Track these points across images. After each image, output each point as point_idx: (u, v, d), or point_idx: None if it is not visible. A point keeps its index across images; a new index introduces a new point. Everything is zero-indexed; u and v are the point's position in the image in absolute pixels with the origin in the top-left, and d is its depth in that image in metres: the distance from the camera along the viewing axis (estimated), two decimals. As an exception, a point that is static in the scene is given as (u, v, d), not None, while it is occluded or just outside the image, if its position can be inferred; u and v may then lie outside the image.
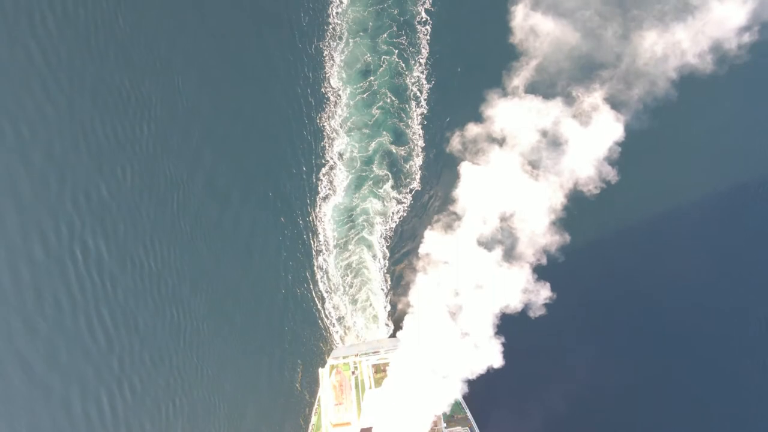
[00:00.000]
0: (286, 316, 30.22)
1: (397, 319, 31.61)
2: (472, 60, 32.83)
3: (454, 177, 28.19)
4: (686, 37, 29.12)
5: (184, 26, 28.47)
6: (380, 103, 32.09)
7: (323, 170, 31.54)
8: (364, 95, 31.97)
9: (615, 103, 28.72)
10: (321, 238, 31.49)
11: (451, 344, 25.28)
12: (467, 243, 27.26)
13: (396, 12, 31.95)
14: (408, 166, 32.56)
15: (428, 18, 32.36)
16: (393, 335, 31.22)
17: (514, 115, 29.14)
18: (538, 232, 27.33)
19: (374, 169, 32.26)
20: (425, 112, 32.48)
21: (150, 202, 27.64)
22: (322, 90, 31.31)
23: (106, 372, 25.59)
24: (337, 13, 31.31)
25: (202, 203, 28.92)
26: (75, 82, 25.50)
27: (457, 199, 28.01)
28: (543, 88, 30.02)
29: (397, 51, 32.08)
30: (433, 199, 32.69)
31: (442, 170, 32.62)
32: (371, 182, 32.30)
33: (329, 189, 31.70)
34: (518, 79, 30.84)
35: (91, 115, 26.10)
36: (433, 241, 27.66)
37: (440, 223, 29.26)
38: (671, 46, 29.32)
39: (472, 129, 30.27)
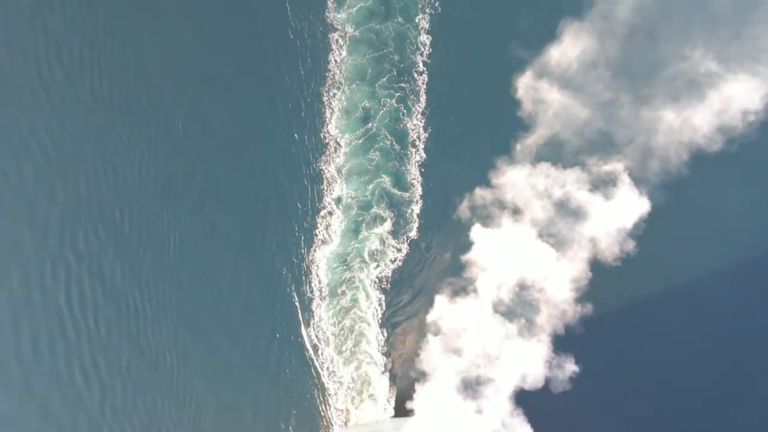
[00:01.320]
0: (281, 362, 29.84)
1: (399, 394, 31.09)
2: (476, 119, 33.37)
3: (463, 238, 28.38)
4: (698, 115, 29.82)
5: (187, 72, 29.09)
6: (380, 145, 32.52)
7: (320, 215, 31.69)
8: (363, 139, 32.43)
9: (632, 176, 29.55)
10: (315, 284, 31.37)
11: (464, 423, 24.50)
12: (482, 311, 26.94)
13: (397, 58, 32.74)
14: (408, 213, 32.78)
15: (426, 69, 33.07)
16: (395, 415, 30.61)
17: (525, 181, 29.53)
18: (558, 302, 27.18)
19: (373, 211, 32.44)
20: (425, 160, 32.90)
21: (148, 245, 27.68)
22: (321, 135, 31.77)
23: (98, 419, 25.01)
24: (336, 60, 32.09)
25: (199, 246, 28.95)
26: (79, 127, 25.91)
27: (469, 263, 28.05)
28: (553, 156, 30.76)
29: (397, 95, 32.70)
30: (437, 256, 32.80)
31: (448, 231, 32.79)
32: (369, 225, 32.41)
33: (325, 235, 31.77)
34: (526, 146, 31.48)
35: (92, 159, 26.43)
36: (443, 307, 27.37)
37: (450, 287, 29.31)
38: (683, 124, 30.11)
39: (479, 193, 30.77)
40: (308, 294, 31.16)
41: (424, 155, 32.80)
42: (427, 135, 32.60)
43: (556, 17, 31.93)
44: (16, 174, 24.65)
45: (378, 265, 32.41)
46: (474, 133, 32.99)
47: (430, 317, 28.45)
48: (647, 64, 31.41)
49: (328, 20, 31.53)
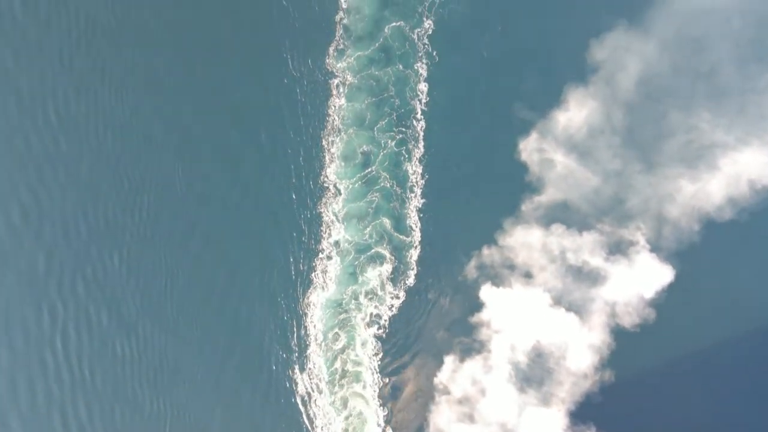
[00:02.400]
0: (269, 410, 28.86)
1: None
2: (477, 172, 33.60)
3: (471, 297, 28.70)
4: (708, 184, 30.11)
5: (187, 117, 29.07)
6: (380, 186, 32.39)
7: (318, 258, 31.27)
8: (363, 183, 32.32)
9: (649, 242, 29.86)
10: (309, 330, 30.68)
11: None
12: (497, 376, 26.46)
13: (397, 103, 32.89)
14: (407, 258, 32.41)
15: (424, 117, 33.27)
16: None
17: (537, 243, 29.54)
18: (575, 369, 26.81)
19: (372, 252, 32.05)
20: (423, 206, 32.73)
21: (137, 289, 27.02)
22: (320, 180, 31.65)
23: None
24: (335, 106, 32.22)
25: (190, 291, 28.25)
26: (71, 169, 25.60)
27: (479, 323, 27.63)
28: (563, 219, 30.94)
29: (398, 137, 32.74)
30: (438, 307, 32.33)
31: (452, 284, 32.63)
32: (365, 269, 31.97)
33: (323, 279, 31.29)
34: (534, 206, 31.59)
35: (83, 201, 26.04)
36: (453, 368, 26.95)
37: (460, 347, 28.77)
38: (694, 192, 30.37)
39: (487, 252, 30.68)
40: (302, 339, 30.44)
41: (422, 200, 32.62)
42: (424, 182, 32.51)
43: (557, 79, 32.59)
44: (3, 217, 24.30)
45: (376, 312, 31.79)
46: (474, 185, 33.15)
47: (439, 378, 27.83)
48: (654, 132, 31.72)
49: (328, 68, 31.82)
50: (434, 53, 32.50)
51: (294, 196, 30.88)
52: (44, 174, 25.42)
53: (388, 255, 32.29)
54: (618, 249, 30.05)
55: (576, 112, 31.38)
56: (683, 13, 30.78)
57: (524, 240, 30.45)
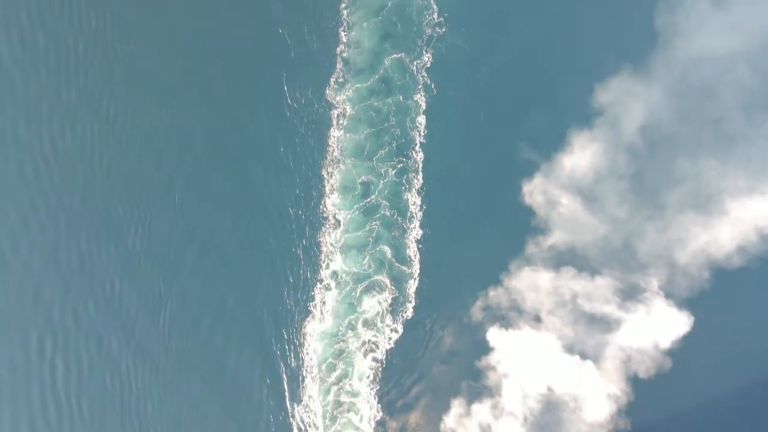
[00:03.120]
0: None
1: None
2: (477, 209, 33.40)
3: (477, 339, 28.87)
4: (721, 230, 29.64)
5: (186, 147, 29.42)
6: (380, 215, 32.32)
7: (315, 289, 31.25)
8: (362, 212, 32.30)
9: (662, 289, 29.54)
10: (305, 360, 30.54)
11: None
12: (507, 424, 26.18)
13: (397, 133, 32.91)
14: (406, 290, 32.20)
15: (422, 150, 33.17)
16: None
17: (544, 287, 29.36)
18: (588, 418, 26.42)
19: (371, 280, 31.92)
20: (422, 238, 32.56)
21: (127, 320, 27.09)
22: (319, 210, 31.71)
23: None
24: (335, 137, 32.35)
25: (182, 321, 28.26)
26: (63, 200, 25.97)
27: (488, 367, 27.34)
28: (571, 262, 30.57)
29: (399, 166, 32.72)
30: (438, 343, 32.01)
31: (454, 323, 32.28)
32: (362, 300, 31.82)
33: (320, 309, 31.22)
34: (541, 249, 31.28)
35: (76, 232, 26.34)
36: (461, 412, 26.75)
37: (468, 390, 28.51)
38: (706, 239, 29.88)
39: (493, 293, 30.49)
40: (298, 370, 30.31)
41: (421, 232, 32.45)
42: (422, 214, 32.36)
43: (560, 121, 32.36)
44: (10, 247, 24.82)
45: (374, 341, 31.56)
46: (476, 221, 32.88)
47: (446, 423, 27.57)
48: (661, 178, 31.24)
49: (328, 99, 32.03)
50: (432, 86, 32.53)
51: (292, 226, 30.93)
52: (37, 205, 25.85)
53: (387, 284, 32.09)
54: (630, 295, 29.58)
55: (581, 156, 31.05)
56: (687, 60, 30.54)
57: (532, 282, 30.14)
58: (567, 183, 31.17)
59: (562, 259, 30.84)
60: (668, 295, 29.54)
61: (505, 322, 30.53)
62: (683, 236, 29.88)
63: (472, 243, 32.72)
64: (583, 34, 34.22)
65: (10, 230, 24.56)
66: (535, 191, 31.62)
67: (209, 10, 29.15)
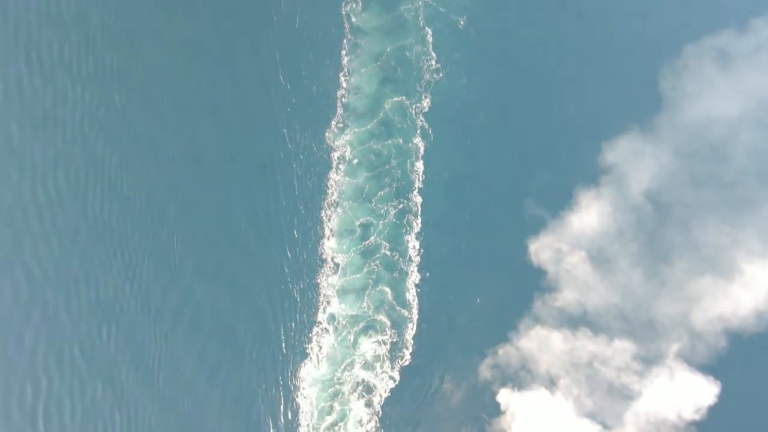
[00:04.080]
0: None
1: None
2: (485, 268, 33.04)
3: (486, 399, 28.56)
4: (737, 294, 29.11)
5: (181, 187, 29.38)
6: (379, 255, 31.87)
7: (312, 332, 30.64)
8: (361, 254, 31.87)
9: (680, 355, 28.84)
10: (301, 404, 29.76)
11: None
12: None
13: (398, 174, 32.67)
14: (404, 335, 31.53)
15: (421, 195, 32.92)
16: None
17: (557, 348, 28.73)
18: None
19: (370, 320, 31.27)
20: (421, 282, 32.01)
21: (123, 363, 26.68)
22: (317, 253, 31.34)
23: None
24: (334, 180, 32.17)
25: (180, 363, 27.76)
26: (65, 243, 25.87)
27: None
28: (581, 324, 30.08)
29: (400, 207, 32.37)
30: (441, 394, 31.18)
31: (467, 384, 31.55)
32: (358, 343, 31.15)
33: (316, 353, 30.55)
34: (549, 308, 30.82)
35: (76, 275, 26.21)
36: None
37: None
38: (722, 303, 29.30)
39: (501, 351, 29.93)
40: (293, 413, 29.49)
41: (419, 276, 31.92)
42: (420, 258, 31.88)
43: (566, 178, 32.31)
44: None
45: (371, 386, 30.76)
46: (477, 271, 32.48)
47: None
48: (671, 240, 30.75)
49: (328, 142, 31.97)
50: (430, 132, 32.48)
51: (288, 270, 30.53)
52: (38, 249, 25.67)
53: (386, 326, 31.47)
54: (649, 360, 28.84)
55: (588, 214, 30.76)
56: (696, 121, 30.50)
57: (544, 343, 29.42)
58: (575, 242, 30.68)
59: (575, 320, 30.10)
60: (689, 361, 28.69)
61: (517, 383, 29.63)
62: (699, 301, 29.08)
63: (475, 294, 32.20)
64: (587, 89, 34.21)
65: (11, 275, 24.31)
66: (541, 248, 31.19)
67: (208, 59, 29.43)
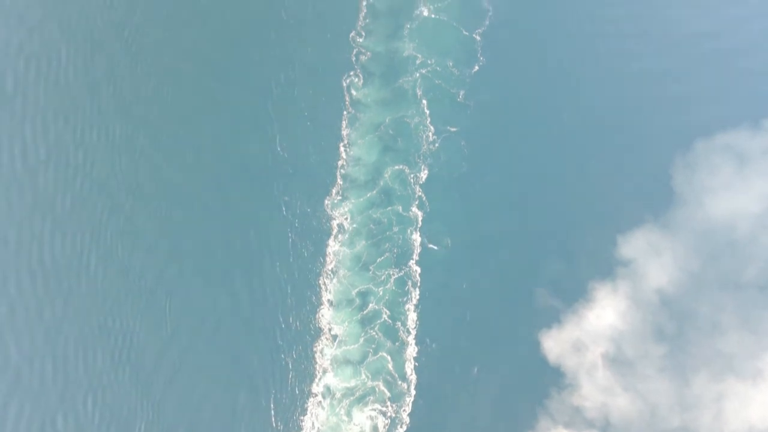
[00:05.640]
0: None
1: None
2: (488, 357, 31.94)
3: None
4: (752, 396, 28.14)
5: (175, 253, 29.30)
6: (379, 323, 31.17)
7: (307, 403, 29.64)
8: (360, 323, 31.21)
9: None
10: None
11: None
12: None
13: (399, 241, 32.44)
14: (401, 409, 30.40)
15: (419, 267, 32.58)
16: None
17: None
18: None
19: (366, 389, 30.26)
20: (419, 354, 31.15)
21: (108, 433, 25.96)
22: (313, 323, 30.77)
23: None
24: (333, 247, 31.98)
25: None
26: (58, 310, 25.75)
27: None
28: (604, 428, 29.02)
29: (401, 274, 31.90)
30: None
31: None
32: (359, 410, 30.06)
33: (311, 425, 29.46)
34: (564, 406, 29.82)
35: (66, 343, 25.83)
36: None
37: None
38: (751, 412, 28.26)
39: None
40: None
41: (416, 348, 31.05)
42: (416, 332, 31.14)
43: (577, 269, 31.68)
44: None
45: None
46: (478, 356, 31.33)
47: None
48: (691, 342, 29.56)
49: (327, 210, 32.04)
50: (427, 202, 32.48)
51: (281, 340, 29.94)
52: (30, 316, 25.62)
53: (385, 397, 30.36)
54: None
55: (605, 311, 29.77)
56: (713, 218, 30.13)
57: None
58: (592, 339, 29.55)
59: (592, 423, 28.75)
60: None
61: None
62: (726, 410, 27.77)
63: (476, 375, 31.02)
64: (597, 175, 33.70)
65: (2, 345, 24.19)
66: (556, 343, 30.10)
67: (206, 127, 30.12)
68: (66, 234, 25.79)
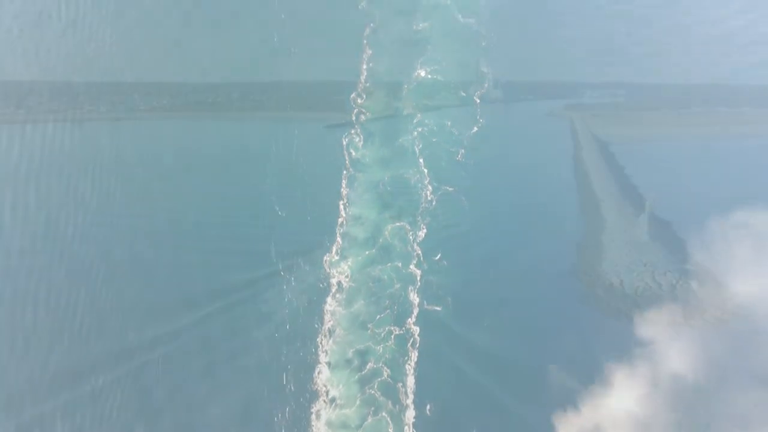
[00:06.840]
0: None
1: None
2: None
3: None
4: None
5: (174, 318, 29.17)
6: (379, 381, 30.11)
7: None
8: (357, 382, 30.25)
9: None
10: None
11: None
12: None
13: (400, 298, 31.80)
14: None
15: (419, 326, 31.82)
16: None
17: None
18: None
19: None
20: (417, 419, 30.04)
21: None
22: (310, 385, 30.01)
23: None
24: (331, 306, 31.48)
25: None
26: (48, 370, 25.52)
27: None
28: None
29: (401, 331, 31.11)
30: None
31: None
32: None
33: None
34: None
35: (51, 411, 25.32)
36: None
37: None
38: None
39: None
40: None
41: (414, 412, 29.92)
42: (414, 396, 30.15)
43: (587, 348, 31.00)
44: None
45: None
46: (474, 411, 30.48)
47: None
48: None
49: (326, 268, 31.75)
50: (423, 260, 32.07)
51: (282, 405, 29.18)
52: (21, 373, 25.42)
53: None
54: None
55: (623, 398, 27.87)
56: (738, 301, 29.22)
57: None
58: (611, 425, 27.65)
59: None
60: None
61: None
62: None
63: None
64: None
65: None
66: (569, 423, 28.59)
67: (204, 201, 30.35)
68: (62, 294, 25.78)
